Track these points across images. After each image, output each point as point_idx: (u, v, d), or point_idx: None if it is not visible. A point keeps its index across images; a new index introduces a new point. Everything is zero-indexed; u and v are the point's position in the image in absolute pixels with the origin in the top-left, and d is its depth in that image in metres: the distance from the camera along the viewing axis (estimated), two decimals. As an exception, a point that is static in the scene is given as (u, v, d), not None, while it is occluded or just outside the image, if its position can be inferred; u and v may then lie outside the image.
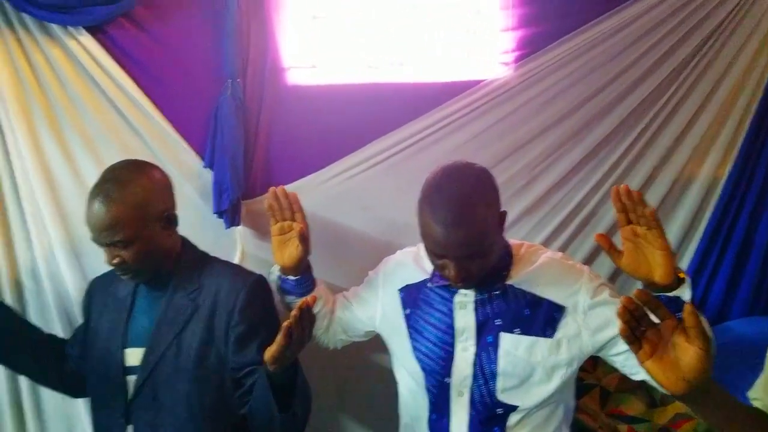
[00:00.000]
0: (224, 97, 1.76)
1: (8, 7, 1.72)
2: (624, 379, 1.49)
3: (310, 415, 1.42)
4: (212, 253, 1.58)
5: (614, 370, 1.39)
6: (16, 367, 1.65)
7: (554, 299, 1.33)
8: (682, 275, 1.26)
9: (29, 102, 1.77)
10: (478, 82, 1.84)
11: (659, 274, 1.24)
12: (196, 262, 1.53)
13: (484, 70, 1.84)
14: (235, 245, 1.81)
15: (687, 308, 0.95)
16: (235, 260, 1.80)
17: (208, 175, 1.80)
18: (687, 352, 0.96)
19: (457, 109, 1.82)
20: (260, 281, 1.52)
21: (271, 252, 1.77)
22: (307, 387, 1.39)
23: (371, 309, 1.53)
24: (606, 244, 1.28)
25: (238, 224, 1.79)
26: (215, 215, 1.79)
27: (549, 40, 1.83)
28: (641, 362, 0.99)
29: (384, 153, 1.82)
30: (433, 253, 1.28)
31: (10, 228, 1.78)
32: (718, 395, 1.00)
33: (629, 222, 1.26)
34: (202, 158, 1.81)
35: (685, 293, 1.24)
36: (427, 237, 1.26)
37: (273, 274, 1.62)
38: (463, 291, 1.36)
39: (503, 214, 1.31)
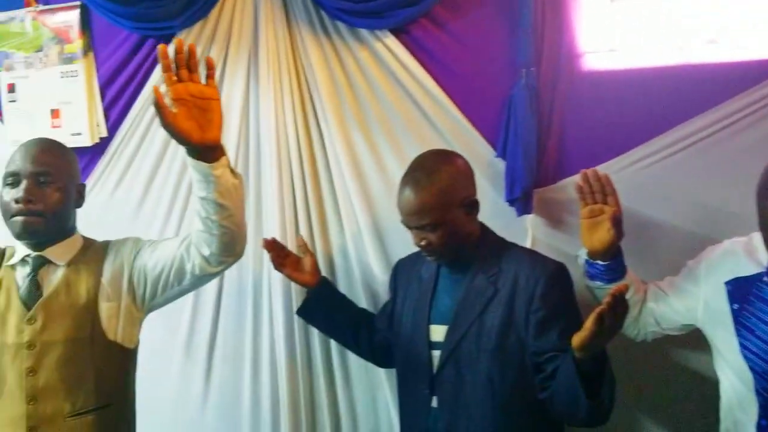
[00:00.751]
0: (518, 86, 1.78)
1: (324, 16, 1.95)
2: None
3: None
4: (502, 241, 1.61)
5: None
6: (334, 333, 1.87)
7: None
8: None
9: (342, 100, 1.96)
10: (806, 56, 1.61)
11: None
12: (495, 247, 1.58)
13: (815, 42, 1.61)
14: (525, 233, 1.82)
15: None
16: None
17: (500, 164, 1.84)
18: None
19: (780, 88, 1.62)
20: (561, 268, 1.52)
21: (563, 240, 1.77)
22: (613, 377, 1.35)
23: (691, 301, 1.44)
24: None
25: (529, 212, 1.81)
26: (506, 203, 1.83)
27: None
28: None
29: (690, 138, 1.68)
30: None
31: (326, 213, 2.00)
32: None
33: None
34: (494, 148, 1.85)
35: None
36: None
37: (580, 258, 1.61)
38: (808, 288, 1.21)
39: None
